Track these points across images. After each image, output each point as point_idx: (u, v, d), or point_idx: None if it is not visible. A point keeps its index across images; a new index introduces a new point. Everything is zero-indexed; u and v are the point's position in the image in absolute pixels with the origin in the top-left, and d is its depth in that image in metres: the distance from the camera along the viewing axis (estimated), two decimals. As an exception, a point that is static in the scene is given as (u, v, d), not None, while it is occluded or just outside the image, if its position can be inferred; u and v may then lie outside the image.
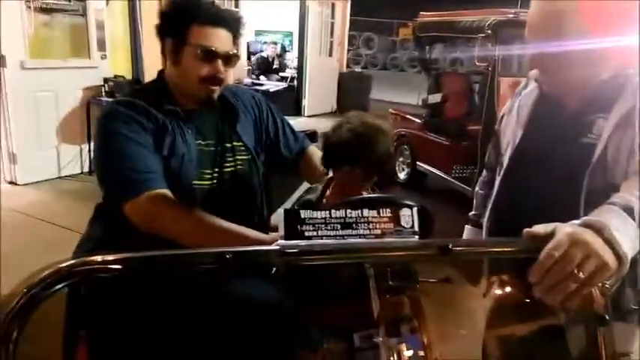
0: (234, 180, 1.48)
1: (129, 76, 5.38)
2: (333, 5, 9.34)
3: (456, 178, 4.64)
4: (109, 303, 1.32)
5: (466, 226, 1.56)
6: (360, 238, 0.73)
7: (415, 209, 0.75)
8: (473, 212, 1.53)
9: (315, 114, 9.20)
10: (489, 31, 4.02)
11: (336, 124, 1.44)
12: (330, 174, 1.48)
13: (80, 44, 4.96)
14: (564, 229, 0.76)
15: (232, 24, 1.43)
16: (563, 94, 1.21)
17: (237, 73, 7.70)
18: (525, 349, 1.17)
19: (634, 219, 0.83)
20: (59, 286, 0.64)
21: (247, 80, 8.05)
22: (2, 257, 3.03)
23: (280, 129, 1.67)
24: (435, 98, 5.04)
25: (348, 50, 11.94)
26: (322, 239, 0.71)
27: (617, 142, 1.06)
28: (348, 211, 0.73)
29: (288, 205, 1.73)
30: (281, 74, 9.39)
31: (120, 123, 1.33)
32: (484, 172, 1.53)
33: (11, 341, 0.60)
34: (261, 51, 9.39)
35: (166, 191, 1.31)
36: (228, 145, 1.49)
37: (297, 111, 9.14)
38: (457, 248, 0.74)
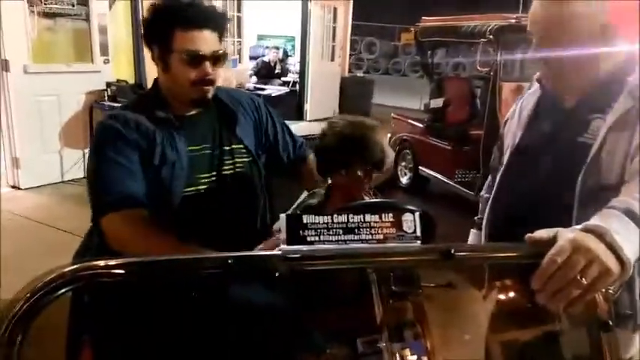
0: (234, 182, 1.48)
1: (131, 81, 5.40)
2: (335, 10, 9.36)
3: (458, 182, 4.63)
4: (112, 308, 1.32)
5: (472, 230, 1.56)
6: (362, 243, 0.73)
7: (417, 214, 0.75)
8: (478, 216, 1.53)
9: (318, 118, 9.21)
10: (491, 36, 4.03)
11: (323, 132, 1.45)
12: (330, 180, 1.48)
13: (83, 49, 4.98)
14: (567, 235, 0.76)
15: (216, 23, 1.41)
16: (563, 90, 1.21)
17: (240, 78, 7.71)
18: (529, 354, 1.17)
19: (636, 223, 0.83)
20: (62, 290, 0.64)
21: (249, 85, 8.06)
22: (4, 261, 3.03)
23: (279, 132, 1.67)
24: (437, 103, 5.04)
25: (350, 55, 11.97)
26: (324, 244, 0.71)
27: (613, 143, 1.06)
28: (350, 216, 0.73)
29: (290, 210, 1.73)
30: (283, 79, 9.40)
31: (109, 141, 1.37)
32: (489, 177, 1.54)
33: (15, 345, 0.60)
34: (263, 55, 9.42)
35: (136, 211, 1.32)
36: (227, 147, 1.49)
37: (299, 116, 9.15)
38: (459, 253, 0.74)
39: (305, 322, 1.32)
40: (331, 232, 0.72)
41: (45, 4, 4.58)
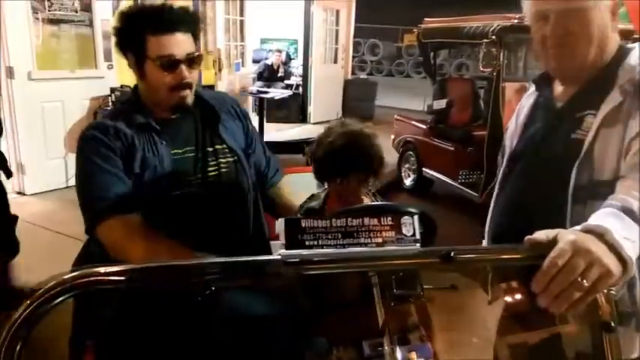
0: (220, 183, 1.47)
1: (135, 86, 5.42)
2: (337, 12, 9.37)
3: (462, 183, 4.62)
4: (115, 313, 1.33)
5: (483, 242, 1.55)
6: (361, 246, 0.72)
7: (416, 217, 0.75)
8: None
9: (321, 121, 9.22)
10: (493, 37, 4.02)
11: (319, 138, 1.45)
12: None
13: (87, 54, 5.01)
14: (567, 237, 0.75)
15: (188, 25, 1.40)
16: (566, 80, 1.21)
17: (243, 81, 7.73)
18: (536, 356, 1.16)
19: (634, 219, 0.82)
20: (62, 298, 0.64)
21: (253, 88, 8.08)
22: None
23: (258, 146, 1.65)
24: (440, 104, 5.03)
25: (353, 57, 11.97)
26: (323, 248, 0.71)
27: (605, 138, 1.07)
28: (349, 219, 0.73)
29: None
30: (286, 82, 9.42)
31: (91, 149, 1.37)
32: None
33: (15, 353, 0.61)
34: (266, 59, 9.44)
35: (129, 216, 1.33)
36: (210, 149, 1.48)
37: (303, 118, 9.17)
38: (459, 256, 0.73)
39: (310, 326, 1.32)
40: (330, 236, 0.72)
41: (49, 10, 4.61)
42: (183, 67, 1.37)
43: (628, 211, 0.84)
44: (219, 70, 6.96)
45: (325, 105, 9.31)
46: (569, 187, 1.10)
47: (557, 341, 1.05)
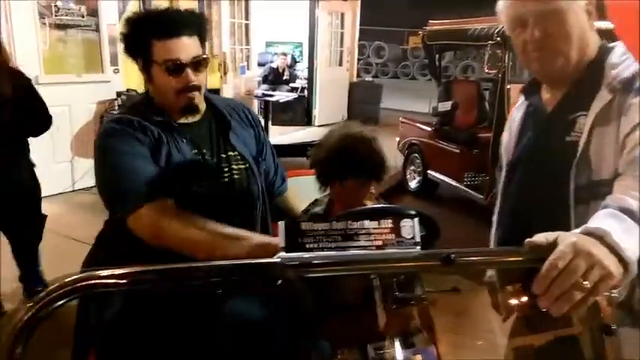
0: (231, 190, 1.47)
1: (141, 90, 5.45)
2: (342, 15, 9.39)
3: (467, 185, 4.61)
4: (117, 317, 1.33)
5: None
6: (361, 249, 0.73)
7: (416, 220, 0.75)
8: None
9: (326, 123, 9.23)
10: (498, 39, 4.01)
11: (320, 141, 1.44)
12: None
13: (93, 59, 5.05)
14: (567, 240, 0.75)
15: (194, 28, 1.39)
16: (552, 82, 1.21)
17: (248, 85, 7.76)
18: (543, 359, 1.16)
19: (634, 220, 0.82)
20: (63, 301, 0.65)
21: (258, 91, 8.10)
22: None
23: (268, 153, 1.66)
24: (446, 106, 5.02)
25: (359, 60, 11.97)
26: (323, 251, 0.71)
27: (599, 137, 1.06)
28: (349, 222, 0.73)
29: None
30: (291, 85, 9.44)
31: (116, 139, 1.35)
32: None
33: (16, 356, 0.61)
34: (272, 62, 9.47)
35: (169, 200, 1.31)
36: (223, 155, 1.49)
37: (308, 121, 9.18)
38: (460, 259, 0.73)
39: (312, 329, 1.32)
40: (330, 239, 0.72)
41: (56, 15, 4.65)
42: (189, 70, 1.37)
43: (627, 212, 0.83)
44: (225, 73, 6.99)
45: (330, 108, 9.32)
46: (569, 189, 1.09)
47: (563, 344, 1.04)
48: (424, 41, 5.33)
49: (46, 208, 4.49)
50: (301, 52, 10.20)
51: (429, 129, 5.28)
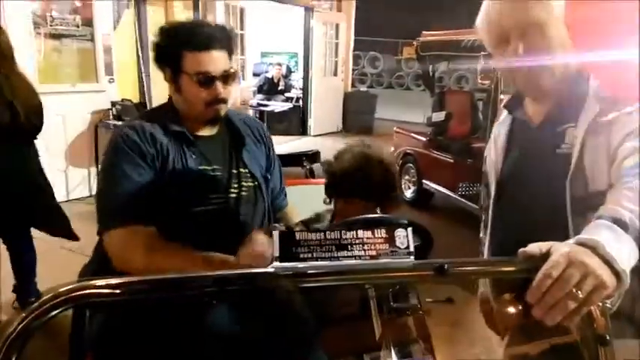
0: (238, 206, 1.48)
1: (136, 100, 5.46)
2: (337, 26, 9.46)
3: (461, 195, 4.63)
4: (114, 325, 1.33)
5: None
6: (355, 259, 0.73)
7: (410, 229, 0.75)
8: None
9: (321, 133, 9.26)
10: (491, 50, 4.05)
11: (338, 154, 1.44)
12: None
13: (88, 69, 5.05)
14: (560, 249, 0.76)
15: (224, 42, 1.42)
16: (537, 95, 1.20)
17: (244, 95, 7.78)
18: None
19: (626, 230, 0.82)
20: (58, 310, 0.65)
21: (253, 101, 8.12)
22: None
23: (275, 171, 1.68)
24: (439, 116, 5.06)
25: (354, 70, 12.03)
26: (317, 261, 0.71)
27: (592, 148, 1.06)
28: (343, 232, 0.74)
29: None
30: (286, 95, 9.48)
31: (122, 154, 1.36)
32: (483, 216, 1.53)
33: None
34: (267, 72, 9.51)
35: (140, 227, 1.32)
36: (234, 171, 1.50)
37: (303, 131, 9.21)
38: (453, 269, 0.74)
39: (309, 339, 1.32)
40: (324, 249, 0.72)
41: (51, 25, 4.66)
42: (219, 83, 1.40)
43: (619, 222, 0.84)
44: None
45: (325, 118, 9.36)
46: (563, 200, 1.09)
47: (559, 353, 1.04)
48: (418, 52, 5.37)
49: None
50: (296, 62, 10.26)
51: (423, 139, 5.31)
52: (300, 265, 0.70)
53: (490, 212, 1.33)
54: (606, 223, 0.84)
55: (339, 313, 1.35)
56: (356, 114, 9.72)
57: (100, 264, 1.43)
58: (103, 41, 5.06)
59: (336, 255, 0.72)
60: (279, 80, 9.51)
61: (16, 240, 2.91)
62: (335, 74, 9.63)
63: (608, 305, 0.81)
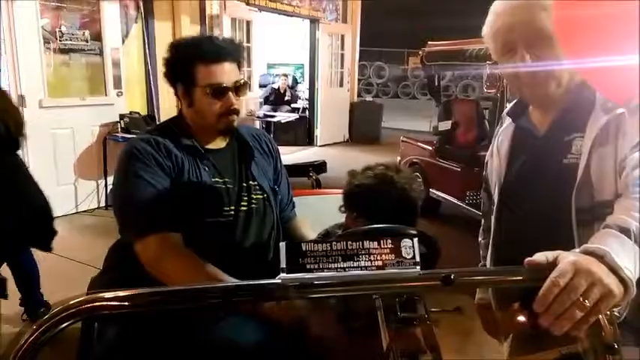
0: (249, 218, 1.49)
1: (144, 112, 5.51)
2: (342, 37, 9.52)
3: (469, 204, 4.60)
4: (122, 339, 1.33)
5: None
6: (361, 269, 0.73)
7: (416, 239, 0.75)
8: (481, 263, 1.50)
9: (328, 143, 9.28)
10: (496, 58, 4.05)
11: (364, 167, 1.43)
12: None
13: (97, 82, 5.12)
14: (567, 258, 0.76)
15: (234, 54, 1.45)
16: (542, 104, 1.20)
17: (250, 106, 7.82)
18: None
19: (633, 240, 0.82)
20: (67, 323, 0.65)
21: (260, 112, 8.17)
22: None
23: (283, 182, 1.69)
24: (446, 125, 5.06)
25: (360, 80, 12.09)
26: (323, 271, 0.71)
27: (599, 159, 1.05)
28: (349, 242, 0.74)
29: None
30: (293, 105, 9.52)
31: (139, 163, 1.38)
32: (483, 221, 1.53)
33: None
34: (273, 83, 9.57)
35: (173, 234, 1.34)
36: (245, 184, 1.51)
37: (310, 141, 9.23)
38: (460, 278, 0.74)
39: (313, 351, 1.31)
40: (330, 260, 0.72)
41: (60, 40, 4.73)
42: (231, 94, 1.43)
43: (627, 232, 0.83)
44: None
45: (332, 128, 9.39)
46: (569, 210, 1.09)
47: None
48: (423, 61, 5.38)
49: (48, 230, 4.52)
50: (302, 73, 10.33)
51: (429, 148, 5.30)
52: (307, 275, 0.70)
53: (493, 219, 1.33)
54: (613, 233, 0.84)
55: (346, 323, 1.35)
56: (362, 124, 9.73)
57: (112, 275, 1.44)
58: (112, 55, 5.13)
59: (342, 265, 0.72)
60: (285, 91, 9.57)
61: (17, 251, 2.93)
62: (341, 84, 9.67)
63: (616, 314, 0.80)
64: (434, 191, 5.16)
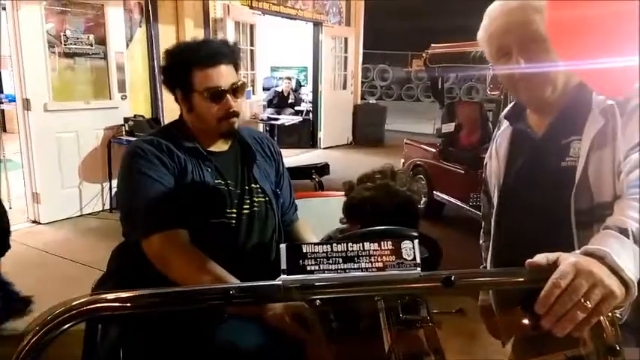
0: (250, 221, 1.50)
1: (148, 115, 5.54)
2: (345, 40, 9.53)
3: (473, 206, 4.59)
4: (124, 341, 1.34)
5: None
6: (362, 271, 0.73)
7: (416, 241, 0.76)
8: (482, 265, 1.50)
9: (331, 146, 9.29)
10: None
11: (358, 179, 1.42)
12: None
13: (101, 86, 5.14)
14: (568, 259, 0.76)
15: (229, 56, 1.45)
16: (538, 107, 1.20)
17: (254, 109, 7.84)
18: None
19: (633, 241, 0.82)
20: (70, 324, 0.66)
21: (263, 115, 8.18)
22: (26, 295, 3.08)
23: (285, 186, 1.69)
24: (449, 127, 5.05)
25: (363, 82, 12.09)
26: (324, 273, 0.72)
27: (597, 162, 1.05)
28: (350, 244, 0.74)
29: None
30: (296, 108, 9.54)
31: (143, 161, 1.38)
32: (483, 223, 1.52)
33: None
34: (277, 86, 9.58)
35: (180, 231, 1.34)
36: (247, 187, 1.52)
37: (313, 144, 9.24)
38: (460, 280, 0.74)
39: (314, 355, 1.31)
40: (331, 261, 0.73)
41: (65, 44, 4.76)
42: (229, 97, 1.43)
43: (626, 233, 0.83)
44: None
45: (335, 130, 9.40)
46: (568, 212, 1.08)
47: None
48: (426, 64, 5.38)
49: (53, 233, 4.55)
50: (306, 76, 10.34)
51: (433, 150, 5.30)
52: (308, 277, 0.71)
53: (493, 222, 1.33)
54: (613, 234, 0.84)
55: (348, 325, 1.35)
56: (366, 126, 9.74)
57: (116, 277, 1.45)
58: (116, 59, 5.15)
59: (342, 267, 0.73)
60: (288, 94, 9.59)
61: None
62: (344, 87, 9.68)
63: (617, 315, 0.80)
64: (437, 193, 5.16)
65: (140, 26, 5.50)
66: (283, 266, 0.70)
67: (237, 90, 1.45)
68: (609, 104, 1.06)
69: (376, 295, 0.99)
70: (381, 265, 0.74)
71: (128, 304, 0.70)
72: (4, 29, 4.33)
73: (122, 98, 5.24)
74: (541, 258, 0.77)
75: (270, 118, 8.32)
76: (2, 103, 7.26)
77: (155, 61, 5.52)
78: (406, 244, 0.75)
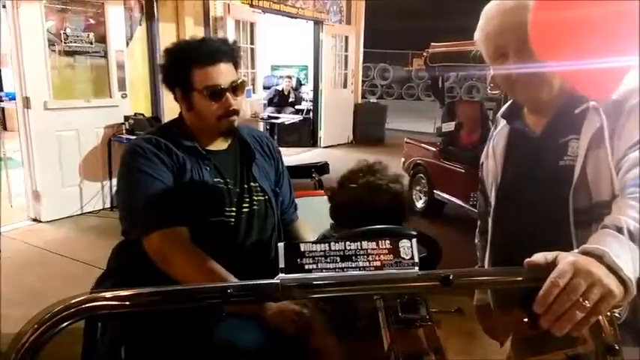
0: (250, 219, 1.50)
1: (148, 114, 5.53)
2: (346, 38, 9.52)
3: (473, 205, 4.59)
4: (123, 339, 1.34)
5: None
6: (359, 270, 0.73)
7: (414, 240, 0.76)
8: (479, 265, 1.50)
9: (332, 145, 9.29)
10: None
11: (342, 181, 1.41)
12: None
13: (101, 84, 5.14)
14: (567, 259, 0.75)
15: (228, 54, 1.45)
16: (535, 106, 1.20)
17: (254, 107, 7.84)
18: None
19: (632, 240, 0.82)
20: (68, 322, 0.66)
21: (264, 114, 8.18)
22: (27, 294, 3.08)
23: (284, 185, 1.69)
24: (449, 126, 5.05)
25: (364, 81, 12.09)
26: (322, 272, 0.72)
27: (595, 161, 1.05)
28: (347, 243, 0.74)
29: None
30: (297, 107, 9.53)
31: (142, 160, 1.38)
32: (479, 223, 1.52)
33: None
34: (277, 85, 9.58)
35: (180, 229, 1.35)
36: (246, 185, 1.52)
37: (314, 142, 9.24)
38: (459, 279, 0.74)
39: (314, 353, 1.31)
40: (329, 260, 0.73)
41: (65, 42, 4.76)
42: (229, 95, 1.43)
43: (625, 232, 0.83)
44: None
45: (336, 129, 9.39)
46: (566, 211, 1.08)
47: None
48: (426, 63, 5.37)
49: (54, 231, 4.56)
50: (306, 74, 10.34)
51: (433, 149, 5.30)
52: (305, 276, 0.71)
53: (490, 221, 1.33)
54: (612, 233, 0.83)
55: (347, 325, 1.35)
56: (366, 125, 9.74)
57: (116, 275, 1.45)
58: (116, 57, 5.15)
59: (340, 266, 0.73)
60: (289, 93, 9.58)
61: None
62: (345, 86, 9.67)
63: (616, 315, 0.80)
64: (438, 192, 5.16)
65: (140, 24, 5.49)
66: (281, 265, 0.70)
67: (236, 88, 1.45)
68: (592, 105, 1.06)
69: (374, 294, 0.99)
70: (378, 263, 0.74)
71: (126, 303, 0.71)
72: (4, 27, 4.33)
73: (122, 97, 5.24)
74: (539, 257, 0.77)
75: (270, 117, 8.32)
76: (2, 101, 7.26)
77: (155, 59, 5.52)
78: (404, 243, 0.75)
